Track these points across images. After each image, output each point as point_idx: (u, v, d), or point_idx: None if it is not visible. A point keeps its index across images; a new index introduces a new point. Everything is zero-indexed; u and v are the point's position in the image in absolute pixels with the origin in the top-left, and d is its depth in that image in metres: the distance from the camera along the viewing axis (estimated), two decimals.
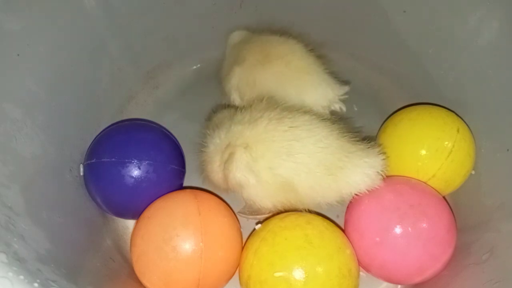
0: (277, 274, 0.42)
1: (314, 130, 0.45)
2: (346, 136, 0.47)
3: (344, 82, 0.57)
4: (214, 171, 0.49)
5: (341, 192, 0.45)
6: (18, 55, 0.44)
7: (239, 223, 0.51)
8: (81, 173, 0.52)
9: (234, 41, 0.60)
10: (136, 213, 0.50)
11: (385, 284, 0.52)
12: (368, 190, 0.45)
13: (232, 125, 0.47)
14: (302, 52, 0.55)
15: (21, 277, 0.32)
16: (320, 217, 0.48)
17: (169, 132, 0.57)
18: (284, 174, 0.44)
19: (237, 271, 0.49)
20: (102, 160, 0.50)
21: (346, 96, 0.55)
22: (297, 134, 0.44)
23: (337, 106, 0.54)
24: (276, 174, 0.45)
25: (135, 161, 0.49)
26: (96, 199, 0.51)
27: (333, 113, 0.55)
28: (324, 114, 0.53)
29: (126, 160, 0.49)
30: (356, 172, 0.44)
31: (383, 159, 0.46)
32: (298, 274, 0.42)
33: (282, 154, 0.44)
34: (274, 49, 0.54)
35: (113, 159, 0.49)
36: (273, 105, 0.48)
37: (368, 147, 0.46)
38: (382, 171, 0.45)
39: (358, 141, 0.47)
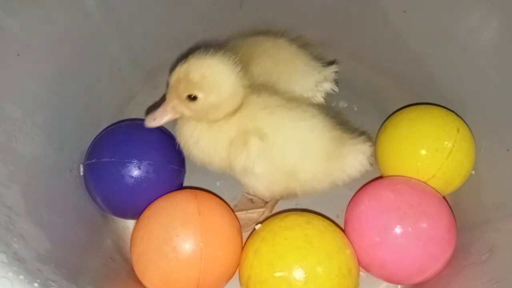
0: (277, 274, 0.42)
1: (321, 122, 0.47)
2: (340, 127, 0.50)
3: (330, 62, 0.57)
4: (216, 151, 0.47)
5: (335, 177, 0.48)
6: (18, 55, 0.44)
7: (239, 223, 0.51)
8: (81, 173, 0.52)
9: None
10: (136, 213, 0.50)
11: (385, 284, 0.52)
12: (358, 175, 0.49)
13: (249, 109, 0.46)
14: (284, 45, 0.55)
15: (21, 277, 0.32)
16: (320, 217, 0.48)
17: (169, 132, 0.57)
18: (291, 161, 0.46)
19: (237, 271, 0.49)
20: (102, 160, 0.50)
21: (335, 76, 0.55)
22: (309, 124, 0.46)
23: (327, 86, 0.54)
24: (284, 161, 0.45)
25: (135, 161, 0.49)
26: (96, 199, 0.51)
27: (330, 107, 0.55)
28: (322, 107, 0.53)
29: (126, 160, 0.49)
30: (350, 158, 0.48)
31: (370, 145, 0.49)
32: (298, 274, 0.42)
33: (292, 142, 0.45)
34: (258, 46, 0.55)
35: (113, 159, 0.49)
36: (283, 94, 0.49)
37: (357, 136, 0.50)
38: (370, 156, 0.49)
39: (348, 131, 0.50)
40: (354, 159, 0.48)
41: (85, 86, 0.55)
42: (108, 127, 0.56)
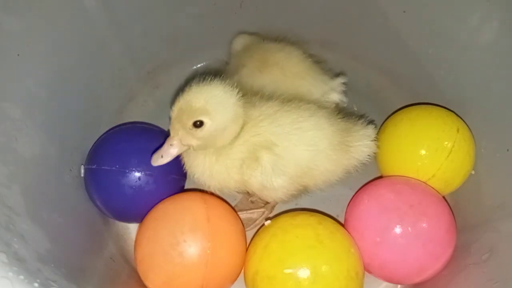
0: (287, 271, 0.42)
1: (323, 117, 0.47)
2: (340, 116, 0.50)
3: (337, 74, 0.57)
4: (230, 176, 0.47)
5: (346, 166, 0.49)
6: (18, 55, 0.44)
7: (244, 228, 0.50)
8: (82, 174, 0.52)
9: (238, 46, 0.61)
10: (136, 218, 0.50)
11: (385, 284, 0.52)
12: (368, 159, 0.49)
13: (250, 124, 0.46)
14: (297, 59, 0.56)
15: (21, 277, 0.32)
16: (330, 218, 0.48)
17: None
18: (303, 162, 0.46)
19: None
20: (103, 167, 0.49)
21: (343, 88, 0.55)
22: (312, 123, 0.46)
23: (335, 97, 0.54)
24: (297, 165, 0.45)
25: (136, 171, 0.49)
26: (96, 202, 0.51)
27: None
28: (321, 103, 0.53)
29: (127, 170, 0.49)
30: (357, 145, 0.48)
31: (373, 128, 0.50)
32: (308, 272, 0.42)
33: (300, 144, 0.45)
34: (272, 56, 0.55)
35: (113, 168, 0.49)
36: (279, 98, 0.49)
37: (357, 122, 0.51)
38: (375, 138, 0.50)
39: (348, 120, 0.51)
40: (361, 145, 0.48)
41: (85, 86, 0.55)
42: (110, 129, 0.56)
